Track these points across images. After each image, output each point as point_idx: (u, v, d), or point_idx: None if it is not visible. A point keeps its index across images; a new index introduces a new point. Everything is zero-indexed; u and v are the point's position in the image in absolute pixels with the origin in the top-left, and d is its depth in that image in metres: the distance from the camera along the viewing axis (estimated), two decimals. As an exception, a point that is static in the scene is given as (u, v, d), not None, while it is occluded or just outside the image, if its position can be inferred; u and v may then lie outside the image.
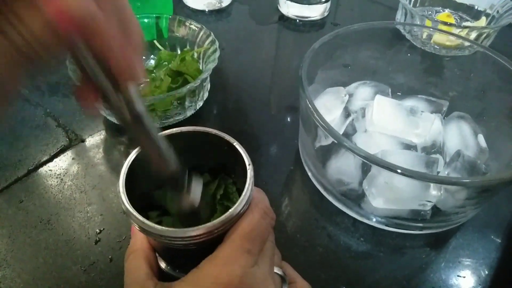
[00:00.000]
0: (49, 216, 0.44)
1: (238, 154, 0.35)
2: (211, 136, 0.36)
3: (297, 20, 0.78)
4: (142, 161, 0.33)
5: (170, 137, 0.33)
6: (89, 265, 0.40)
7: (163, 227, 0.28)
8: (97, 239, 0.42)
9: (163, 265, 0.38)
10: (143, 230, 0.28)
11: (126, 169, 0.32)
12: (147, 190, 0.35)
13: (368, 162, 0.36)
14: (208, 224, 0.28)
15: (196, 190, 0.34)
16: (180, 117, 0.53)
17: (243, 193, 0.31)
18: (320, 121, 0.39)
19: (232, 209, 0.30)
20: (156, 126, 0.26)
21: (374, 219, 0.43)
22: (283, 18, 0.79)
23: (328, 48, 0.50)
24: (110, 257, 0.41)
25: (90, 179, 0.48)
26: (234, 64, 0.67)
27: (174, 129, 0.35)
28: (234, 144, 0.35)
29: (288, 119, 0.59)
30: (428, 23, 0.63)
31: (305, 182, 0.49)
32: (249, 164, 0.34)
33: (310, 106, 0.40)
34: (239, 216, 0.30)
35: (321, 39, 0.48)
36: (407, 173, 0.35)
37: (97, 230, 0.43)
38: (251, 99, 0.62)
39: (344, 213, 0.45)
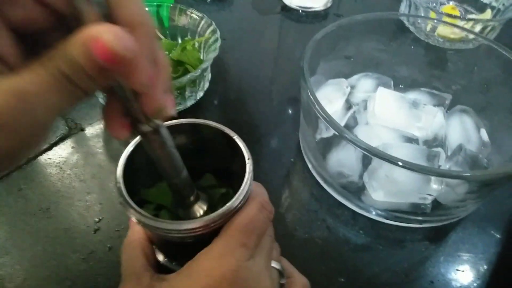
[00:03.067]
0: (48, 204, 0.44)
1: (238, 148, 0.35)
2: (211, 128, 0.36)
3: (300, 11, 0.77)
4: (139, 154, 0.32)
5: (169, 128, 0.33)
6: (88, 253, 0.40)
7: (160, 220, 0.28)
8: (96, 228, 0.42)
9: (160, 257, 0.38)
10: (140, 222, 0.28)
11: (124, 161, 0.32)
12: (142, 185, 0.35)
13: (369, 155, 0.36)
14: (205, 217, 0.28)
15: (202, 200, 0.34)
16: (180, 107, 0.53)
17: (241, 187, 0.31)
18: (322, 113, 0.38)
19: (230, 202, 0.30)
20: (170, 137, 0.26)
21: (374, 212, 0.43)
22: (285, 9, 0.78)
23: (331, 39, 0.50)
24: (109, 246, 0.41)
25: (89, 168, 0.48)
26: (235, 55, 0.67)
27: (174, 121, 0.35)
28: (234, 137, 0.35)
29: (290, 111, 0.58)
30: (432, 15, 0.62)
31: (305, 174, 0.48)
32: (248, 159, 0.33)
33: (311, 97, 0.40)
34: (237, 210, 0.30)
35: (324, 30, 0.47)
36: (407, 166, 0.35)
37: (96, 219, 0.43)
38: (253, 90, 0.61)
39: (344, 205, 0.45)
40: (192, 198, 0.31)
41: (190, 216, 0.32)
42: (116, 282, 0.38)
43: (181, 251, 0.35)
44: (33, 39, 0.21)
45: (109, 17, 0.19)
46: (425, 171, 0.36)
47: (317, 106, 0.39)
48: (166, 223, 0.28)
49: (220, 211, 0.29)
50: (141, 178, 0.34)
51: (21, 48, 0.20)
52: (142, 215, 0.28)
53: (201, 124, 0.36)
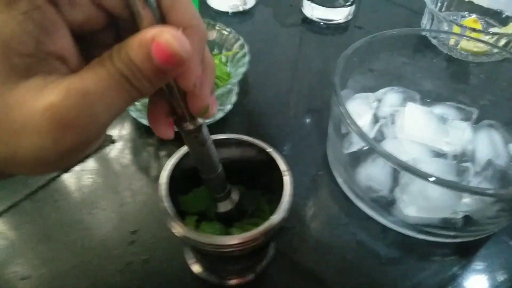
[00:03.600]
0: (83, 216, 0.45)
1: (273, 161, 0.36)
2: (245, 143, 0.37)
3: (321, 23, 0.78)
4: (178, 168, 0.34)
5: None
6: (124, 265, 0.41)
7: (209, 236, 0.29)
8: (131, 240, 0.43)
9: (196, 269, 0.39)
10: (186, 239, 0.29)
11: (168, 178, 0.33)
12: (180, 192, 0.36)
13: (403, 170, 0.36)
14: (253, 231, 0.29)
15: (234, 196, 0.35)
16: (210, 120, 0.54)
17: (282, 199, 0.32)
18: (354, 127, 0.39)
19: (273, 216, 0.30)
20: (209, 134, 0.27)
21: (404, 227, 0.44)
22: (306, 21, 0.79)
23: (357, 53, 0.51)
24: (144, 258, 0.42)
25: (122, 180, 0.49)
26: (258, 67, 0.67)
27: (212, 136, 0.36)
28: (268, 150, 0.36)
29: (313, 123, 0.59)
30: (456, 29, 0.63)
31: (333, 187, 0.49)
32: (284, 170, 0.34)
33: (343, 112, 0.40)
34: (280, 225, 0.31)
35: (354, 45, 0.48)
36: (440, 182, 0.35)
37: (131, 231, 0.44)
38: (277, 103, 0.62)
39: (373, 219, 0.45)
40: (224, 193, 0.33)
41: (221, 209, 0.34)
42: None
43: (221, 263, 0.36)
44: (85, 40, 0.21)
45: (162, 19, 0.20)
46: (459, 188, 0.36)
47: (349, 121, 0.40)
48: (214, 238, 0.29)
49: (263, 227, 0.30)
50: (179, 187, 0.35)
51: (78, 49, 0.21)
52: (188, 233, 0.29)
53: (235, 139, 0.37)
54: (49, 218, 0.45)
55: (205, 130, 0.27)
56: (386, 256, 0.43)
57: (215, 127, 0.55)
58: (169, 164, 0.34)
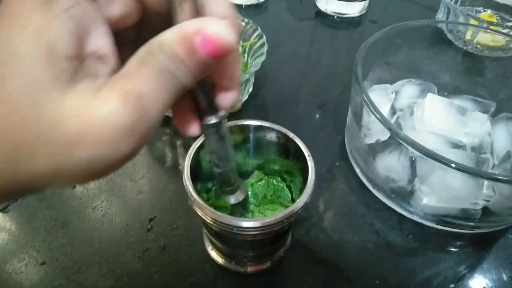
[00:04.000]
0: (101, 202, 0.45)
1: (295, 146, 0.36)
2: (266, 128, 0.37)
3: (335, 17, 0.78)
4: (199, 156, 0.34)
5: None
6: (143, 251, 0.41)
7: (236, 218, 0.29)
8: (149, 227, 0.43)
9: (215, 256, 0.39)
10: (212, 220, 0.29)
11: (189, 163, 0.33)
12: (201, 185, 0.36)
13: (427, 157, 0.36)
14: (280, 213, 0.29)
15: (243, 187, 0.35)
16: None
17: (308, 183, 0.32)
18: (377, 115, 0.39)
19: (297, 201, 0.30)
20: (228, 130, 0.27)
21: (422, 217, 0.43)
22: (320, 14, 0.79)
23: (376, 45, 0.50)
24: (162, 244, 0.42)
25: (139, 168, 0.49)
26: (272, 59, 0.67)
27: (230, 122, 0.36)
28: (291, 136, 0.36)
29: (330, 114, 0.59)
30: (473, 22, 0.62)
31: (351, 178, 0.49)
32: (308, 155, 0.34)
33: (366, 100, 0.40)
34: (303, 209, 0.31)
35: (375, 35, 0.48)
36: (462, 168, 0.35)
37: (149, 218, 0.44)
38: (291, 94, 0.62)
39: (392, 209, 0.45)
40: (235, 185, 0.33)
41: (232, 200, 0.34)
42: (172, 281, 0.39)
43: (243, 247, 0.36)
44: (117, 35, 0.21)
45: (200, 10, 0.19)
46: (478, 174, 0.36)
47: (372, 109, 0.40)
48: (238, 220, 0.29)
49: (286, 211, 0.30)
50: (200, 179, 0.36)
51: (116, 47, 0.20)
52: (216, 213, 0.29)
53: (256, 125, 0.37)
54: (66, 204, 0.45)
55: (225, 125, 0.26)
56: (403, 247, 0.43)
57: (230, 118, 0.55)
58: (193, 151, 0.33)
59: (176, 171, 0.50)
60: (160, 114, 0.18)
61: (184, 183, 0.31)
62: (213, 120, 0.25)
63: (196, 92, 0.23)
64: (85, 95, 0.16)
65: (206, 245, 0.41)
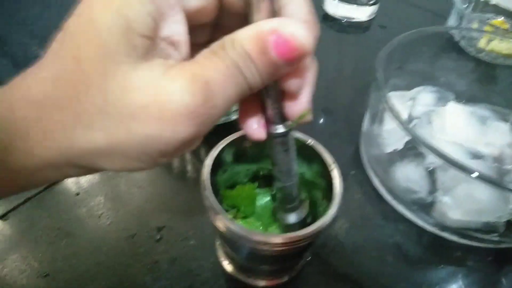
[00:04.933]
0: (107, 210, 0.43)
1: (315, 154, 0.34)
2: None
3: (343, 21, 0.76)
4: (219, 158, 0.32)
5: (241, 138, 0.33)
6: (152, 263, 0.39)
7: (262, 233, 0.27)
8: (159, 237, 0.41)
9: (230, 269, 0.37)
10: (229, 232, 0.27)
11: (209, 169, 0.31)
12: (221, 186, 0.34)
13: (453, 167, 0.35)
14: (303, 231, 0.27)
15: (305, 205, 0.33)
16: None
17: (334, 195, 0.30)
18: (400, 122, 0.38)
19: (329, 211, 0.29)
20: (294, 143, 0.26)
21: (443, 230, 0.42)
22: (328, 18, 0.78)
23: (390, 53, 0.49)
24: (172, 256, 0.40)
25: (146, 175, 0.47)
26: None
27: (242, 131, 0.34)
28: (311, 143, 0.34)
29: (344, 121, 0.57)
30: (487, 28, 0.61)
31: (367, 188, 0.47)
32: (332, 163, 0.32)
33: (388, 106, 0.39)
34: (330, 223, 0.29)
35: (392, 43, 0.47)
36: (490, 180, 0.34)
37: (158, 227, 0.42)
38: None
39: (411, 221, 0.44)
40: (295, 204, 0.31)
41: (290, 220, 0.31)
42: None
43: (262, 262, 0.34)
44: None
45: (279, 12, 0.18)
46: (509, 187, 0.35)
47: (394, 115, 0.38)
48: (266, 236, 0.27)
49: (316, 225, 0.28)
50: (221, 180, 0.34)
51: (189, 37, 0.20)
52: (235, 226, 0.27)
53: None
54: (70, 212, 0.43)
55: (291, 136, 0.25)
56: (424, 261, 0.42)
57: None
58: (211, 156, 0.31)
59: (185, 178, 0.48)
60: (223, 107, 0.18)
61: (204, 193, 0.29)
62: (280, 129, 0.23)
63: (264, 97, 0.21)
64: (153, 72, 0.16)
65: (220, 257, 0.39)
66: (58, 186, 0.45)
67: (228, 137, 0.32)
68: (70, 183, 0.45)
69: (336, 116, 0.58)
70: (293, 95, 0.22)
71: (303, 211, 0.32)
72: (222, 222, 0.27)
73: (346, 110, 0.59)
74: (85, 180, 0.45)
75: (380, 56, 0.44)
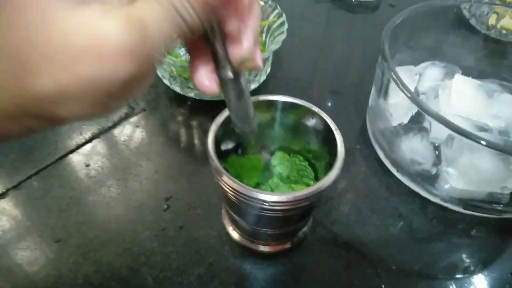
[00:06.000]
0: (117, 181, 0.44)
1: (320, 121, 0.34)
2: (289, 103, 0.36)
3: (352, 0, 0.76)
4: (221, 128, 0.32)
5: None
6: (160, 231, 0.40)
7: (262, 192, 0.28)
8: (166, 206, 0.42)
9: (235, 235, 0.38)
10: (233, 191, 0.28)
11: (214, 135, 0.31)
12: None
13: (460, 135, 0.35)
14: (303, 191, 0.28)
15: (266, 150, 0.34)
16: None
17: (337, 158, 0.30)
18: (406, 92, 0.38)
19: (328, 175, 0.29)
20: (248, 87, 0.27)
21: (448, 201, 0.42)
22: (337, -2, 0.77)
23: (399, 26, 0.49)
24: (180, 224, 0.41)
25: (154, 147, 0.48)
26: (289, 41, 0.66)
27: (253, 97, 0.35)
28: (316, 110, 0.34)
29: (351, 96, 0.57)
30: (498, 2, 0.60)
31: (373, 161, 0.48)
32: (336, 129, 0.33)
33: (395, 78, 0.39)
34: (331, 185, 0.29)
35: (399, 15, 0.47)
36: (495, 146, 0.34)
37: (166, 197, 0.43)
38: (308, 77, 0.61)
39: (416, 193, 0.44)
40: (258, 150, 0.33)
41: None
42: (190, 260, 0.38)
43: (267, 224, 0.35)
44: None
45: None
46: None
47: (401, 85, 0.38)
48: (267, 194, 0.27)
49: (316, 186, 0.28)
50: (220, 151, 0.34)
51: None
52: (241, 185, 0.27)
53: (277, 100, 0.35)
54: (81, 182, 0.44)
55: (243, 82, 0.25)
56: (427, 231, 0.42)
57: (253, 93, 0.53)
58: (216, 124, 0.32)
59: (192, 150, 0.48)
60: (161, 46, 0.19)
61: (210, 157, 0.30)
62: (228, 75, 0.24)
63: (210, 41, 0.22)
64: (92, 16, 0.17)
65: (226, 224, 0.39)
66: (68, 158, 0.46)
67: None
68: (81, 154, 0.46)
69: (346, 93, 0.58)
70: (234, 39, 0.22)
71: (266, 155, 0.33)
72: (225, 181, 0.28)
73: (354, 88, 0.59)
74: (95, 153, 0.47)
75: (387, 28, 0.44)
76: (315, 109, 0.34)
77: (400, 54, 0.55)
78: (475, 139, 0.34)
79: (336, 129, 0.33)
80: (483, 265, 0.40)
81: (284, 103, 0.35)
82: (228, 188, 0.28)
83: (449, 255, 0.40)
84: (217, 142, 0.31)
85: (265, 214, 0.29)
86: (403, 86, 0.37)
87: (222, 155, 0.32)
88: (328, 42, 0.69)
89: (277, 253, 0.39)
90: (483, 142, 0.34)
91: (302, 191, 0.27)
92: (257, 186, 0.36)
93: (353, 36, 0.72)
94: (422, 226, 0.42)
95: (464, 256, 0.40)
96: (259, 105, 0.35)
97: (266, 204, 0.27)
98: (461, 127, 0.35)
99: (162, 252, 0.39)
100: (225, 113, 0.32)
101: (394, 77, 0.38)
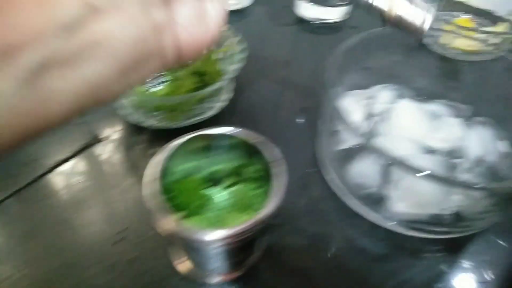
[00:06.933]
0: (69, 215, 0.44)
1: (268, 150, 0.35)
2: (236, 135, 0.37)
3: (314, 22, 0.78)
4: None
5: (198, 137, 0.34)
6: (110, 265, 0.40)
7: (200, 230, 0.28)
8: (119, 239, 0.42)
9: (186, 267, 0.38)
10: (175, 234, 0.29)
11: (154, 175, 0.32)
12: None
13: (393, 165, 0.36)
14: (241, 225, 0.28)
15: None
16: (201, 118, 0.53)
17: (273, 193, 0.31)
18: (345, 123, 0.39)
19: (263, 210, 0.30)
20: None
21: (393, 223, 0.43)
22: (301, 20, 0.79)
23: (350, 51, 0.50)
24: (130, 258, 0.41)
25: (110, 178, 0.48)
26: (251, 66, 0.67)
27: (199, 131, 0.36)
28: (262, 140, 0.35)
29: (307, 121, 0.58)
30: (447, 27, 0.62)
31: (323, 185, 0.48)
32: (276, 160, 0.34)
33: (335, 107, 0.40)
34: (271, 217, 0.30)
35: (347, 42, 0.48)
36: (431, 177, 0.35)
37: (118, 230, 0.43)
38: (270, 101, 0.62)
39: (362, 217, 0.45)
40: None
41: None
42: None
43: (209, 258, 0.35)
44: None
45: None
46: (448, 182, 0.36)
47: (341, 116, 0.39)
48: (200, 233, 0.28)
49: (253, 219, 0.29)
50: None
51: None
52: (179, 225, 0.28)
53: (223, 134, 0.37)
54: (34, 217, 0.44)
55: None
56: (375, 253, 0.43)
57: (207, 124, 0.54)
58: (157, 160, 0.33)
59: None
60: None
61: (146, 196, 0.31)
62: None
63: None
64: None
65: (172, 257, 0.40)
66: (24, 193, 0.46)
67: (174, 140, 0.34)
68: (37, 188, 0.47)
69: (308, 116, 0.59)
70: None
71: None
72: (158, 222, 0.29)
73: (317, 110, 0.60)
74: (50, 185, 0.47)
75: (333, 56, 0.45)
76: (261, 138, 0.35)
77: (355, 76, 0.56)
78: (408, 168, 0.35)
79: (277, 160, 0.33)
80: (427, 285, 0.40)
81: (230, 135, 0.37)
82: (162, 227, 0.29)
83: (399, 275, 0.41)
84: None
85: (203, 249, 0.30)
86: (342, 117, 0.38)
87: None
88: (293, 64, 0.70)
89: (226, 283, 0.39)
90: (422, 174, 0.35)
91: (237, 227, 0.28)
92: (202, 211, 0.37)
93: (317, 58, 0.73)
94: (371, 249, 0.43)
95: (412, 276, 0.41)
96: (203, 138, 0.36)
97: (198, 242, 0.28)
98: (394, 156, 0.36)
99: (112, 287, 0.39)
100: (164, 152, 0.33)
101: (335, 107, 0.39)
